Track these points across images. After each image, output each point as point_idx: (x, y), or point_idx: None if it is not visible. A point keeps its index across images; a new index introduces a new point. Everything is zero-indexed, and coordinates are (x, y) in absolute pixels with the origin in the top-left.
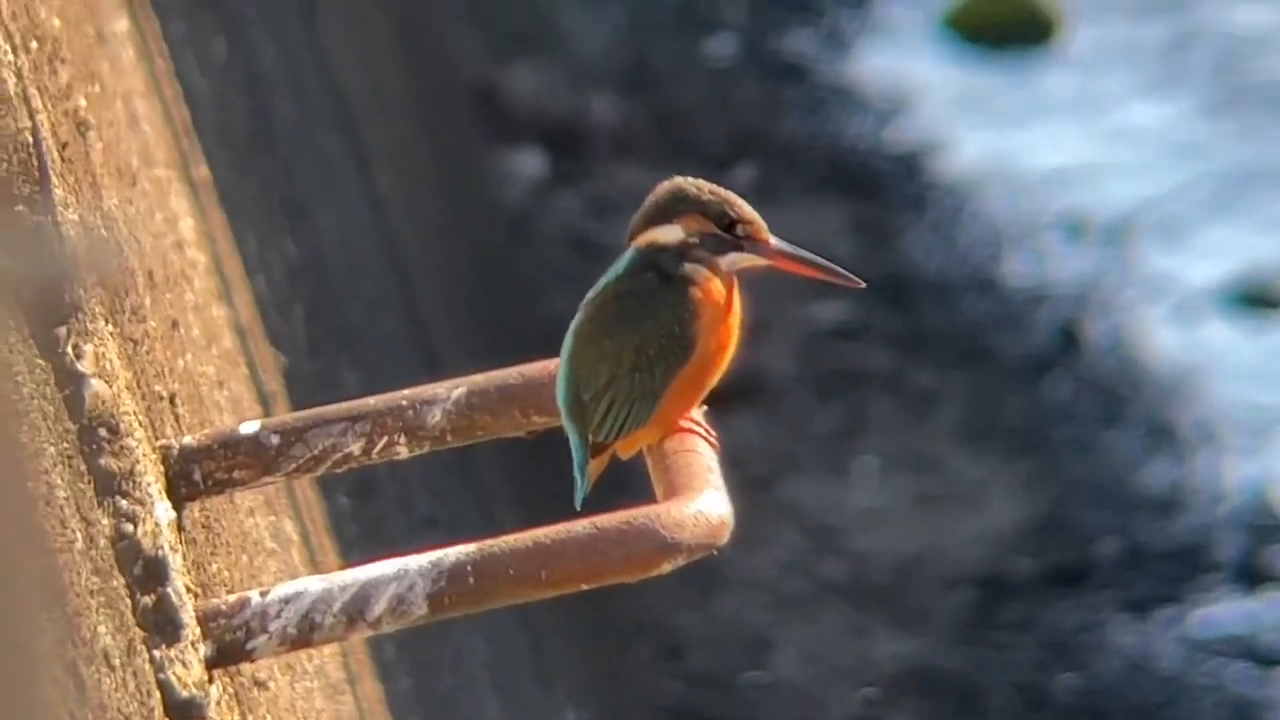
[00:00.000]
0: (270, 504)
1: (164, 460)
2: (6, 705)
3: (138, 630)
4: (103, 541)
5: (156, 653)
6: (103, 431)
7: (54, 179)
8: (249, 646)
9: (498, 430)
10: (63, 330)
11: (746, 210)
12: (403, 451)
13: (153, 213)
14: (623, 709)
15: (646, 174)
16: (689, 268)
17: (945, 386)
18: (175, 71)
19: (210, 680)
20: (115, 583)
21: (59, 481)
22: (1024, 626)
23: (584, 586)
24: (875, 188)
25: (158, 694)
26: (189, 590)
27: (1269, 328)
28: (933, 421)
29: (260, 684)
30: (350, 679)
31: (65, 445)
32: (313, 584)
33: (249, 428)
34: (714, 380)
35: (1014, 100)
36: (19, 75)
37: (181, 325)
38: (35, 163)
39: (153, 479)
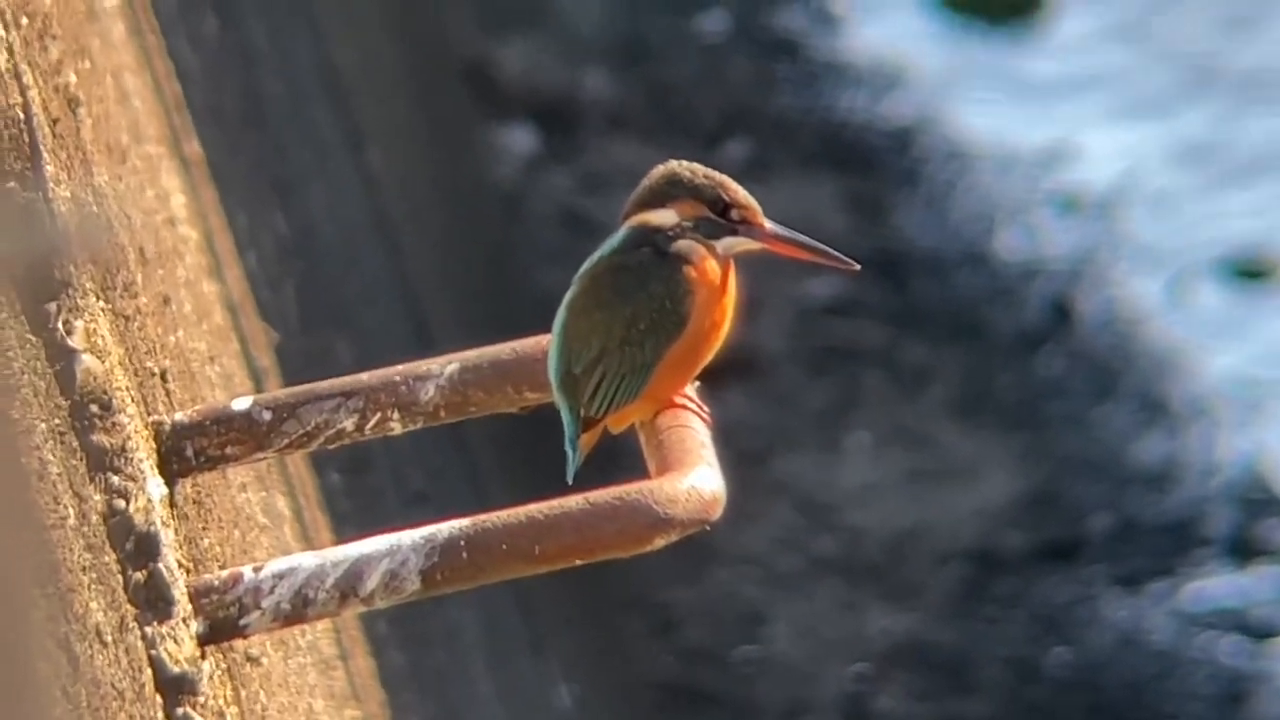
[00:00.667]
0: (263, 480)
1: (156, 436)
2: None
3: (130, 606)
4: (95, 517)
5: (148, 629)
6: (94, 407)
7: (45, 155)
8: (242, 622)
9: (491, 406)
10: (54, 306)
11: (741, 194)
12: (396, 427)
13: (144, 189)
14: (616, 684)
15: (639, 150)
16: (684, 245)
17: (938, 362)
18: (166, 48)
19: (202, 656)
20: (107, 559)
21: (51, 458)
22: (1016, 601)
23: (577, 562)
24: (867, 163)
25: (149, 670)
26: (181, 566)
27: (1261, 300)
28: (925, 397)
29: (253, 660)
30: (343, 654)
31: (57, 421)
32: (305, 560)
33: (241, 404)
34: (707, 358)
35: (1006, 75)
36: (9, 51)
37: (173, 301)
38: (26, 139)
39: (144, 455)
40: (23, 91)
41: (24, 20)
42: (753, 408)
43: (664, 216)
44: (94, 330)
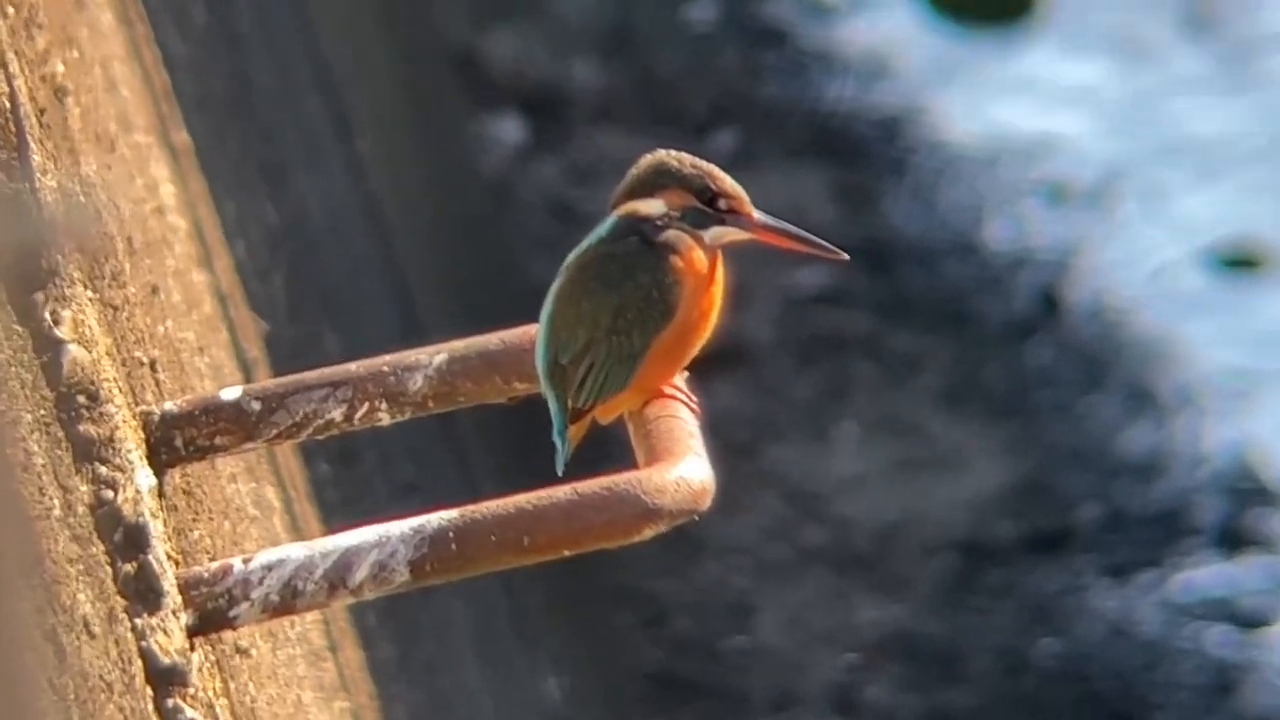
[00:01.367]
0: (252, 470)
1: (144, 426)
2: None
3: (118, 598)
4: (81, 509)
5: (138, 620)
6: (81, 398)
7: (32, 145)
8: (231, 614)
9: (479, 397)
10: (40, 296)
11: (729, 184)
12: (384, 418)
13: (132, 178)
14: (605, 675)
15: (627, 140)
16: (672, 235)
17: (926, 352)
18: (154, 36)
19: (192, 648)
20: (95, 550)
21: (36, 448)
22: (1005, 591)
23: (566, 552)
24: (856, 153)
25: (139, 661)
26: (170, 557)
27: (1250, 290)
28: (913, 387)
29: (242, 651)
30: (332, 646)
31: (43, 412)
32: (295, 551)
33: (230, 394)
34: (695, 348)
35: (995, 65)
36: None
37: (162, 291)
38: (13, 129)
39: (133, 445)
40: (9, 81)
41: (10, 9)
42: (741, 398)
43: (652, 206)
44: (81, 320)
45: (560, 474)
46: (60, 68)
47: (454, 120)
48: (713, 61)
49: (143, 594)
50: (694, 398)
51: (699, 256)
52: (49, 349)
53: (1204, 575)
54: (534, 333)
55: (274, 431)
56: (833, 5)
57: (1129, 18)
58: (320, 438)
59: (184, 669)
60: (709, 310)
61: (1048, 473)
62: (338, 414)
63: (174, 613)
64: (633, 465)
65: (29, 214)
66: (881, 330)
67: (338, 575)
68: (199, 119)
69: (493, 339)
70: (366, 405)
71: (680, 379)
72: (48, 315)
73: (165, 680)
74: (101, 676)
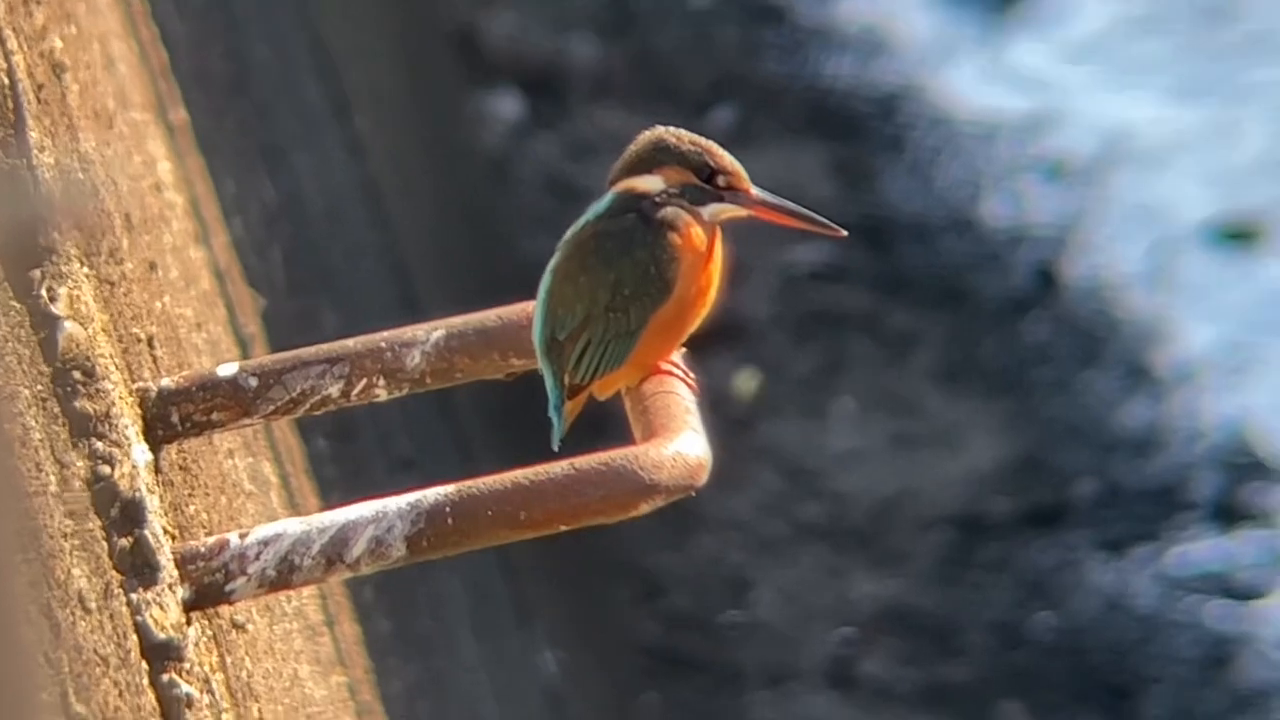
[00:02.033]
0: (249, 446)
1: (141, 403)
2: None
3: (114, 573)
4: (78, 484)
5: (133, 595)
6: (78, 374)
7: (29, 121)
8: (227, 589)
9: (476, 372)
10: (37, 273)
11: (727, 160)
12: (381, 394)
13: (130, 155)
14: (601, 649)
15: (625, 117)
16: (670, 211)
17: (923, 328)
18: (152, 13)
19: (188, 622)
20: (91, 525)
21: (33, 424)
22: (1001, 566)
23: (562, 528)
24: (854, 130)
25: (135, 636)
26: (166, 532)
27: (1246, 264)
28: (911, 363)
29: (239, 626)
30: (329, 621)
31: (40, 388)
32: (291, 526)
33: (227, 370)
34: (693, 325)
35: (993, 42)
36: None
37: (159, 267)
38: (10, 105)
39: (129, 421)
40: (7, 57)
41: None
42: (739, 374)
43: (650, 183)
44: (78, 297)
45: (556, 449)
46: (58, 44)
47: (452, 97)
48: (711, 38)
49: (138, 569)
50: (691, 373)
51: (697, 233)
52: (46, 325)
53: (1199, 549)
54: (531, 309)
55: (271, 407)
56: None
57: None
58: (317, 414)
59: (180, 644)
60: (707, 287)
61: (1044, 448)
62: (335, 390)
63: (170, 587)
64: (630, 441)
65: (26, 190)
66: (879, 306)
67: (334, 550)
68: (197, 96)
69: (490, 315)
70: (364, 381)
71: (678, 355)
72: (44, 291)
73: (161, 655)
74: (96, 651)
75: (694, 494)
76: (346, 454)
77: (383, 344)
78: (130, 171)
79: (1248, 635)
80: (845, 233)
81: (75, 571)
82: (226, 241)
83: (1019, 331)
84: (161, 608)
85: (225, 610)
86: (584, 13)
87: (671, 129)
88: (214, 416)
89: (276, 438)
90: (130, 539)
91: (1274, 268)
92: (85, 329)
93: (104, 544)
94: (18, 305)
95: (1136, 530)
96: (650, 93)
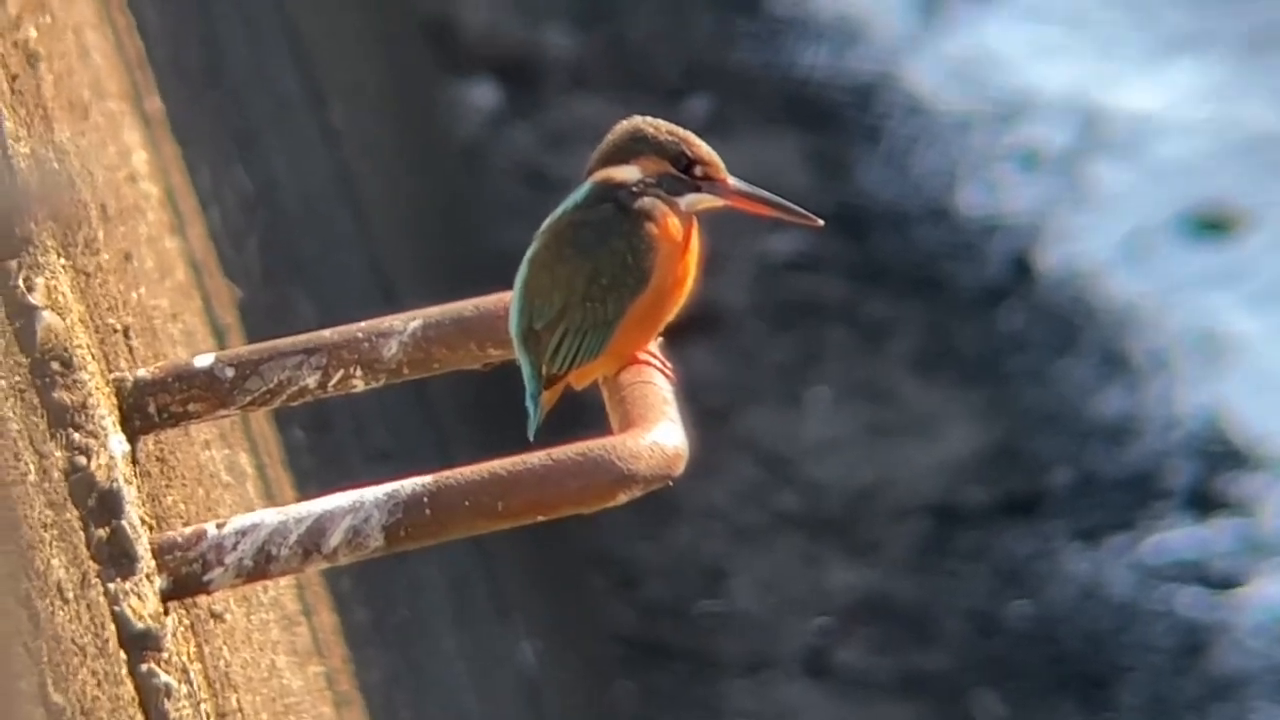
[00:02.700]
0: (225, 437)
1: (118, 393)
2: None
3: (92, 563)
4: (56, 474)
5: (111, 585)
6: (55, 365)
7: (4, 111)
8: (205, 579)
9: (454, 363)
10: (14, 263)
11: (704, 150)
12: (359, 384)
13: (105, 145)
14: (579, 639)
15: (601, 106)
16: (647, 201)
17: (899, 316)
18: (127, 2)
19: (166, 612)
20: (69, 515)
21: (11, 414)
22: (977, 555)
23: (540, 518)
24: (829, 119)
25: (112, 626)
26: (144, 523)
27: (1221, 252)
28: (886, 351)
29: (216, 616)
30: (306, 610)
31: (17, 379)
32: (268, 516)
33: (203, 361)
34: (670, 314)
35: (967, 31)
36: None
37: (135, 258)
38: None
39: (106, 412)
40: None
41: None
42: (715, 363)
43: (627, 172)
44: (55, 287)
45: (532, 440)
46: (33, 33)
47: (427, 87)
48: (686, 27)
49: (116, 559)
50: (668, 364)
51: (674, 223)
52: (23, 315)
53: (1175, 538)
54: (508, 299)
55: (248, 398)
56: None
57: None
58: (294, 404)
59: (158, 633)
60: (684, 276)
61: (1020, 437)
62: (312, 381)
63: (148, 577)
64: (607, 431)
65: (1, 181)
66: (855, 295)
67: (312, 540)
68: (172, 86)
69: (467, 305)
70: (341, 372)
71: (655, 345)
72: (21, 282)
73: (139, 645)
74: (74, 641)
75: (671, 484)
76: (323, 445)
77: (359, 334)
78: (106, 162)
79: (1223, 623)
80: (821, 222)
81: (54, 562)
82: (202, 232)
83: (994, 320)
84: (139, 597)
85: (203, 600)
86: (559, 2)
87: (649, 119)
88: (190, 407)
89: (253, 428)
90: (108, 529)
91: (1249, 255)
92: (63, 319)
93: (82, 534)
94: None
95: (1112, 519)
96: (626, 82)
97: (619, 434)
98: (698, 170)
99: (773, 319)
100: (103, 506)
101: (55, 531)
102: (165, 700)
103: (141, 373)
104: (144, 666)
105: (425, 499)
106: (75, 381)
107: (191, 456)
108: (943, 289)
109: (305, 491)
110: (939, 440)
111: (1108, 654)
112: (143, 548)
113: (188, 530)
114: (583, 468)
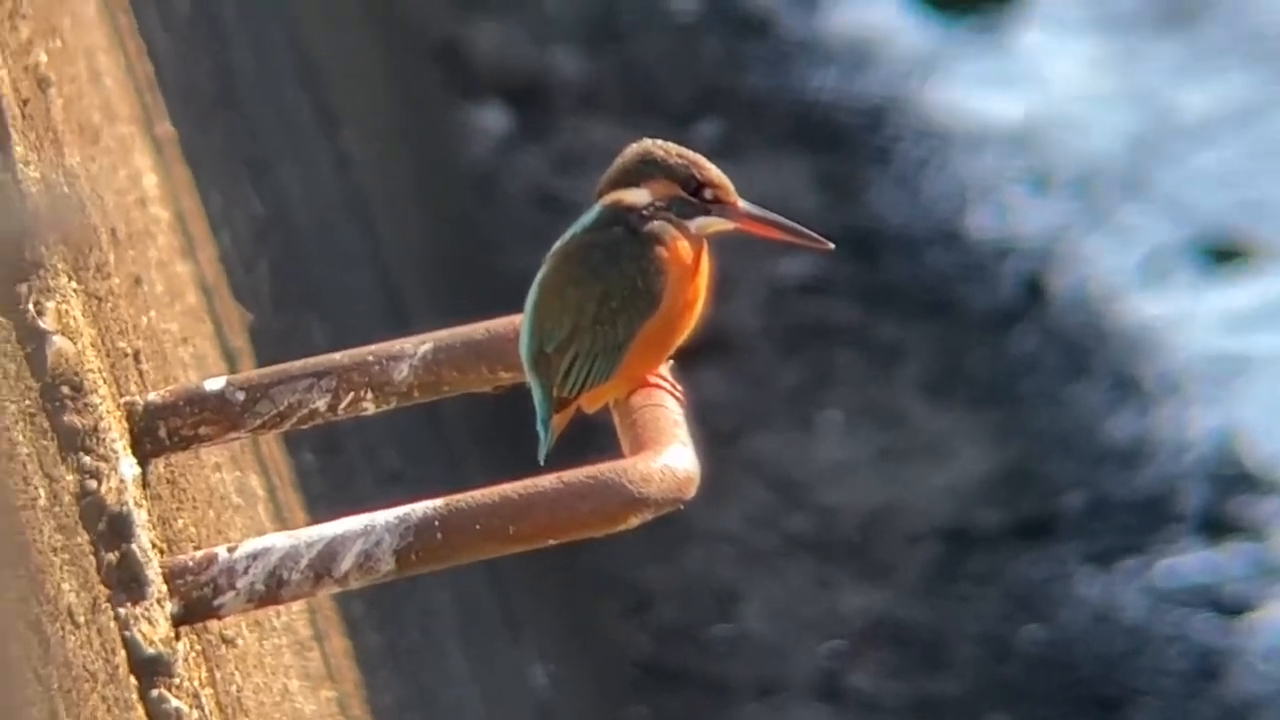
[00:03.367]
0: (236, 460)
1: (128, 417)
2: None
3: (102, 587)
4: (66, 498)
5: (122, 610)
6: (65, 389)
7: (14, 136)
8: (216, 603)
9: (464, 386)
10: (24, 288)
11: (714, 173)
12: (369, 407)
13: (115, 169)
14: (590, 663)
15: (611, 129)
16: (657, 225)
17: (910, 340)
18: (138, 27)
19: (177, 637)
20: (79, 539)
21: (21, 438)
22: (989, 578)
23: (551, 541)
24: (840, 142)
25: (123, 651)
26: (155, 547)
27: (1233, 279)
28: (898, 375)
29: (228, 641)
30: (318, 635)
31: (27, 403)
32: (280, 540)
33: (214, 384)
34: (680, 338)
35: (979, 54)
36: None
37: (145, 282)
38: None
39: (117, 435)
40: None
41: None
42: (726, 386)
43: (637, 195)
44: (65, 311)
45: (542, 463)
46: (43, 58)
47: (438, 111)
48: (696, 51)
49: (126, 583)
50: (679, 387)
51: (684, 246)
52: (33, 340)
53: (1187, 562)
54: (519, 322)
55: (258, 421)
56: None
57: (1113, 5)
58: (305, 427)
59: (169, 659)
60: (694, 300)
61: (1032, 460)
62: (322, 404)
63: (159, 602)
64: (618, 454)
65: (12, 205)
66: (866, 319)
67: (323, 565)
68: (182, 110)
69: (478, 328)
70: (351, 395)
71: (665, 368)
72: (32, 306)
73: (150, 670)
74: (85, 666)
75: (682, 507)
76: (334, 468)
77: (370, 357)
78: (116, 185)
79: (1235, 648)
80: (832, 245)
81: (65, 586)
82: (213, 255)
83: (1007, 343)
84: (150, 622)
85: (214, 625)
86: (569, 26)
87: (659, 142)
88: (201, 431)
89: (264, 452)
90: (118, 553)
91: (1261, 279)
92: (74, 344)
93: (92, 558)
94: (5, 320)
95: (1125, 543)
96: (636, 105)
97: (630, 457)
98: (708, 193)
99: (783, 342)
100: (113, 530)
101: (66, 556)
102: None
103: (152, 396)
104: (155, 692)
105: (436, 522)
106: (86, 405)
107: (202, 479)
108: (954, 312)
109: (316, 514)
110: (951, 463)
111: (1120, 678)
112: (153, 572)
113: (199, 554)
114: (594, 491)
